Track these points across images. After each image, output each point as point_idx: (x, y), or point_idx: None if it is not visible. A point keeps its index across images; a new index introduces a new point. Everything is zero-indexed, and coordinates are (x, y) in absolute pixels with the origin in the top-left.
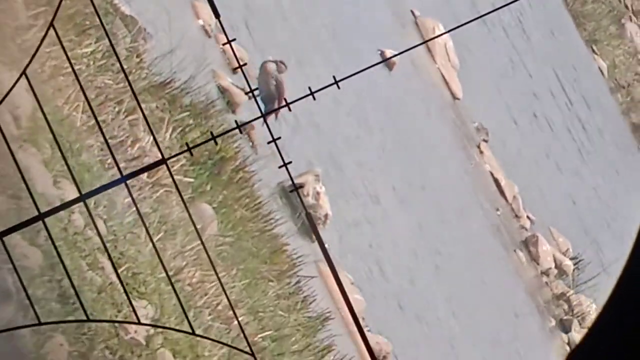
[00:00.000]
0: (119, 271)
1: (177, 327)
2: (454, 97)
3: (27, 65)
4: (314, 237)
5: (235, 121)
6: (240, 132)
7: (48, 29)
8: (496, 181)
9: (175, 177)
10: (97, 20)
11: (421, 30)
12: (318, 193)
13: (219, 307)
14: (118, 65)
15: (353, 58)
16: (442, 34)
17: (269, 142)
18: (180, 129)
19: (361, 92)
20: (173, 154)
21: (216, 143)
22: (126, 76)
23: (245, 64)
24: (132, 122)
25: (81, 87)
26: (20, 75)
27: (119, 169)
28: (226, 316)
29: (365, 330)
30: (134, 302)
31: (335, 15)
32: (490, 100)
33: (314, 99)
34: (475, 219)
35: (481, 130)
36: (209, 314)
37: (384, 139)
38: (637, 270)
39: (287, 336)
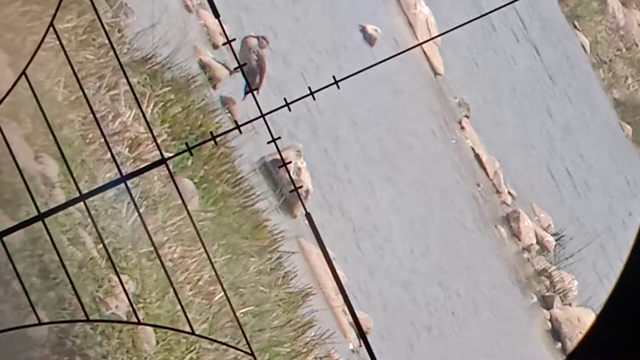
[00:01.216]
0: (100, 247)
1: (158, 306)
2: (436, 73)
3: (27, 65)
4: (294, 212)
5: (235, 122)
6: (240, 132)
7: (48, 29)
8: (477, 156)
9: (156, 152)
10: None
11: (402, 6)
12: (299, 168)
13: (200, 283)
14: (100, 40)
15: (335, 34)
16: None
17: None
18: (161, 104)
19: (342, 67)
20: (155, 131)
21: (216, 143)
22: (114, 49)
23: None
24: (114, 97)
25: (69, 61)
26: (20, 76)
27: (118, 169)
28: (207, 292)
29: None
30: (115, 277)
31: None
32: (472, 76)
33: (314, 99)
34: (456, 194)
35: (462, 106)
36: (190, 290)
37: (365, 115)
38: (636, 271)
39: (268, 312)
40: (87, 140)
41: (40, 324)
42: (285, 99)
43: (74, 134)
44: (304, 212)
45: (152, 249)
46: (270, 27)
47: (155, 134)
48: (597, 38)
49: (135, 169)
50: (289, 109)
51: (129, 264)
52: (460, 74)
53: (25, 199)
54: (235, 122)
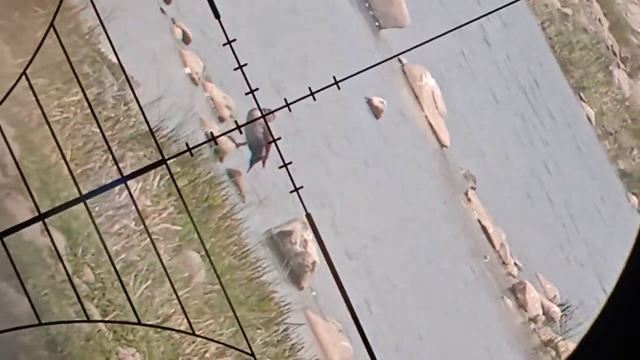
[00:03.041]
0: (107, 319)
1: None
2: (442, 145)
3: (27, 66)
4: (301, 284)
5: (236, 122)
6: (240, 132)
7: (48, 29)
8: (484, 228)
9: (162, 225)
10: (85, 68)
11: (408, 78)
12: (305, 240)
13: (207, 355)
14: (105, 113)
15: (339, 104)
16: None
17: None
18: (167, 177)
19: (349, 139)
20: (161, 204)
21: (216, 143)
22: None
23: (245, 64)
24: (121, 170)
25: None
26: (21, 76)
27: (118, 169)
28: None
29: None
30: (122, 349)
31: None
32: (478, 148)
33: (314, 99)
34: (462, 266)
35: (469, 177)
36: None
37: (371, 187)
38: (636, 272)
39: None
40: (94, 213)
41: (40, 324)
42: (285, 99)
43: (79, 208)
44: (309, 283)
45: (159, 321)
46: (273, 98)
47: (161, 207)
48: (603, 109)
49: (139, 240)
50: (289, 109)
51: (136, 336)
52: (466, 146)
53: (33, 272)
54: (236, 122)
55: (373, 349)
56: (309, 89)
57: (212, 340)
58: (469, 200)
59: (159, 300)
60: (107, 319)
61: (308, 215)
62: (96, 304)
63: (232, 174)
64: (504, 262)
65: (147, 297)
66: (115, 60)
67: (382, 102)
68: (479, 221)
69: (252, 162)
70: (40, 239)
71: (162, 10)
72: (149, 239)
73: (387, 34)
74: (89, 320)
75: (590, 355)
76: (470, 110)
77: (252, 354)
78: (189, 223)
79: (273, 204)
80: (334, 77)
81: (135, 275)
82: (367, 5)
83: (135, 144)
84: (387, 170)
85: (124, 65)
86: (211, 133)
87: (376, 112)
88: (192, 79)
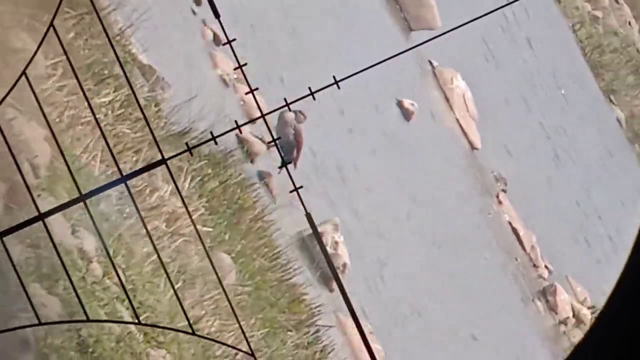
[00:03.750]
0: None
1: None
2: (473, 147)
3: (27, 66)
4: (332, 286)
5: (236, 121)
6: (240, 132)
7: (48, 29)
8: (514, 231)
9: (191, 227)
10: (116, 69)
11: (439, 81)
12: (336, 242)
13: (238, 357)
14: (136, 114)
15: (370, 109)
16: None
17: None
18: (198, 178)
19: (379, 142)
20: (192, 206)
21: (216, 143)
22: (147, 121)
23: (245, 64)
24: (151, 172)
25: (103, 135)
26: (20, 76)
27: (118, 169)
28: None
29: None
30: (153, 351)
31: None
32: (508, 151)
33: (314, 99)
34: (494, 269)
35: (500, 180)
36: None
37: (402, 191)
38: (636, 270)
39: None
40: (124, 215)
41: (40, 324)
42: (285, 99)
43: (110, 209)
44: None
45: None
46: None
47: (192, 209)
48: (633, 112)
49: (169, 242)
50: (289, 109)
51: (167, 338)
52: (497, 149)
53: (62, 273)
54: (236, 122)
55: (403, 353)
56: (309, 88)
57: (212, 340)
58: (499, 202)
59: (189, 302)
60: (136, 321)
61: (308, 215)
62: (127, 305)
63: (262, 176)
64: (534, 265)
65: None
66: (145, 61)
67: (413, 105)
68: (510, 224)
69: (284, 163)
70: (70, 239)
71: (193, 12)
72: (179, 241)
73: (417, 35)
74: (89, 321)
75: (591, 355)
76: (500, 113)
77: (252, 354)
78: (219, 224)
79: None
80: (334, 77)
81: (166, 278)
82: (398, 7)
83: (165, 145)
84: (418, 173)
85: (154, 67)
86: (211, 133)
87: (407, 114)
88: (223, 80)
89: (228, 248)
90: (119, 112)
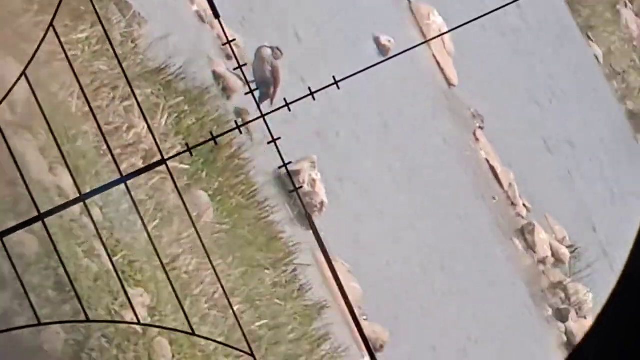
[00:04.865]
0: (115, 259)
1: (174, 319)
2: (449, 84)
3: (27, 66)
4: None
5: (236, 122)
6: (240, 133)
7: (47, 29)
8: (492, 168)
9: (170, 164)
10: (92, 5)
11: (416, 16)
12: (314, 180)
13: (216, 296)
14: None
15: (347, 42)
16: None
17: (268, 143)
18: (175, 115)
19: (355, 78)
20: (169, 143)
21: (216, 143)
22: (119, 61)
23: (245, 64)
24: (128, 108)
25: (75, 74)
26: (20, 76)
27: (118, 169)
28: (223, 304)
29: (362, 318)
30: (130, 290)
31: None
32: (486, 88)
33: (314, 99)
34: (472, 207)
35: (477, 117)
36: (206, 302)
37: (379, 126)
38: (637, 269)
39: (284, 325)
40: (101, 152)
41: (40, 324)
42: (285, 99)
43: (88, 146)
44: (317, 223)
45: (167, 261)
46: (283, 36)
47: (168, 146)
48: (611, 49)
49: (146, 180)
50: (289, 109)
51: (145, 276)
52: (474, 85)
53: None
54: (236, 122)
55: (381, 291)
56: (309, 88)
57: (212, 340)
58: (477, 140)
59: (166, 240)
60: (114, 258)
61: (308, 215)
62: (103, 243)
63: (239, 113)
64: (512, 203)
65: (155, 237)
66: None
67: (390, 41)
68: (487, 161)
69: (260, 100)
70: (48, 176)
71: None
72: (156, 178)
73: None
74: (89, 321)
75: (591, 355)
76: (477, 50)
77: (252, 354)
78: (196, 162)
79: (281, 144)
80: (334, 77)
81: (143, 215)
82: None
83: (142, 81)
84: (395, 110)
85: (130, 2)
86: (211, 133)
87: (383, 50)
88: (200, 17)
89: (205, 186)
90: (96, 48)
